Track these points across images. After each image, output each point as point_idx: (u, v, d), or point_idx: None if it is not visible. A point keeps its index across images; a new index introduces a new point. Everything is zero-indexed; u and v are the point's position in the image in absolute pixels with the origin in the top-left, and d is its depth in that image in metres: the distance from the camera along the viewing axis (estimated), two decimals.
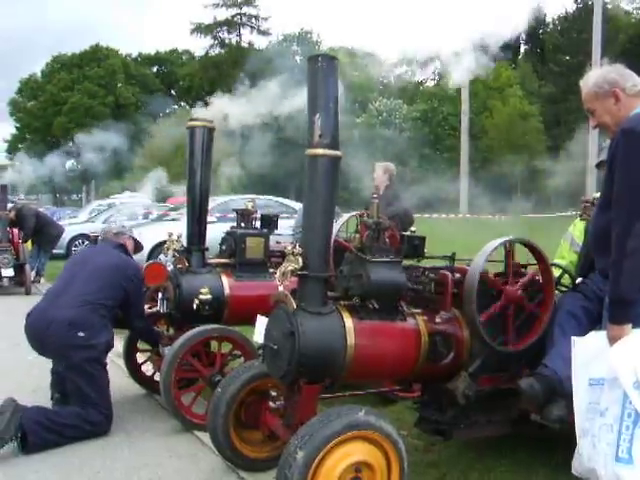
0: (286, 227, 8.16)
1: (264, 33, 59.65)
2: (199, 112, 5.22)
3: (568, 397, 2.91)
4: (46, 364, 4.55)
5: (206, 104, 5.34)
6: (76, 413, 4.10)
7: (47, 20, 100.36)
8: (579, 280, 3.57)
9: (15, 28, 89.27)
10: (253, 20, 59.24)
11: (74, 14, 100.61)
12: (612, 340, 2.71)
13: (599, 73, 3.09)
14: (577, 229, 4.07)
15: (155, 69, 66.42)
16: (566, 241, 4.11)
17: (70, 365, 4.15)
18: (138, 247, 5.18)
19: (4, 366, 5.99)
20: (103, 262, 4.56)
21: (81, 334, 4.13)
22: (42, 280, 12.23)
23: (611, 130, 3.07)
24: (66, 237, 14.60)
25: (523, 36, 62.38)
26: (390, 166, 7.22)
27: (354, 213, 4.43)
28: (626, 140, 2.80)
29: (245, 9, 58.52)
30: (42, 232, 11.96)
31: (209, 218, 5.10)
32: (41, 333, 4.24)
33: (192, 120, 4.83)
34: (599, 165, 3.87)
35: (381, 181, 7.08)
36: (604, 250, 2.91)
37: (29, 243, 12.08)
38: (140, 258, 9.27)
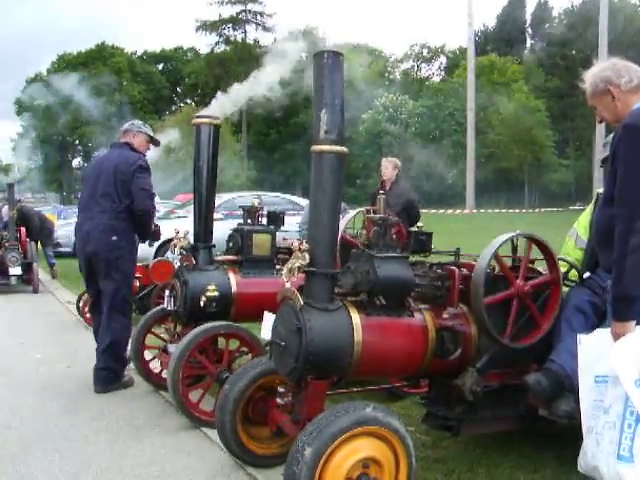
0: (293, 224, 8.15)
1: (269, 30, 59.60)
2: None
3: (576, 392, 2.90)
4: (54, 362, 4.57)
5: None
6: (116, 331, 5.04)
7: (52, 19, 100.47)
8: (586, 275, 3.55)
9: (21, 27, 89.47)
10: (258, 17, 59.12)
11: (79, 13, 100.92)
12: (616, 337, 2.70)
13: (595, 71, 3.06)
14: (581, 225, 4.03)
15: (160, 67, 66.38)
16: (571, 238, 4.07)
17: (105, 260, 5.01)
18: (154, 141, 5.32)
19: (12, 364, 6.01)
20: (108, 168, 5.01)
21: (114, 238, 4.99)
22: (57, 274, 12.87)
23: (613, 125, 3.06)
24: (72, 235, 14.70)
25: (529, 30, 62.25)
26: (398, 162, 7.31)
27: (361, 209, 4.43)
28: (628, 135, 2.77)
29: (250, 6, 58.34)
30: (43, 228, 12.41)
31: (216, 215, 5.11)
32: (83, 243, 5.07)
33: (198, 117, 4.82)
34: (604, 161, 3.85)
35: (389, 176, 7.14)
36: (607, 245, 2.89)
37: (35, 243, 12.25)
38: (147, 255, 9.37)
